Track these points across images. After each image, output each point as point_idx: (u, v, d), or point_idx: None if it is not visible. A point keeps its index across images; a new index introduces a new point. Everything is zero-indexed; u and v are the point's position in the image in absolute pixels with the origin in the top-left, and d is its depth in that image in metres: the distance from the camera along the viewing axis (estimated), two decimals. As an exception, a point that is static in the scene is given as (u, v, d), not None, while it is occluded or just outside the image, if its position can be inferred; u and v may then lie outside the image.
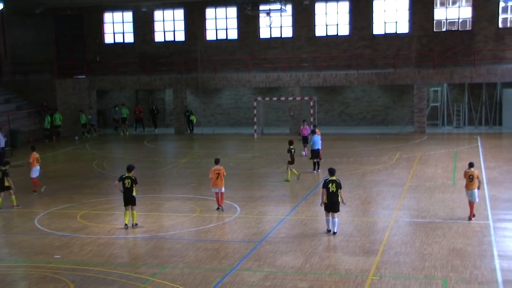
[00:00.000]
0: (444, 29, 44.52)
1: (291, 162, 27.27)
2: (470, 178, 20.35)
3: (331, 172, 19.05)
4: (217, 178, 21.86)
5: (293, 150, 27.42)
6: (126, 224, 20.08)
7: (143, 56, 48.80)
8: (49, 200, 24.84)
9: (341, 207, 19.28)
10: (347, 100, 46.53)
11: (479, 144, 35.63)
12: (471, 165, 20.74)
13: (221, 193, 22.14)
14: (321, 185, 19.54)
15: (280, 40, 46.83)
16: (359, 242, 18.31)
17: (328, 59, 45.14)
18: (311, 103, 41.94)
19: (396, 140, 38.54)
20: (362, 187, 25.72)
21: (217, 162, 22.39)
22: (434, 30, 44.38)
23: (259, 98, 43.74)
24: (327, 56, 45.26)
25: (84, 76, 46.64)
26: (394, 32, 45.10)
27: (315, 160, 28.82)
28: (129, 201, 20.09)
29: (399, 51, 44.46)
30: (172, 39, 49.06)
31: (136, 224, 20.21)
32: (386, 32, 45.20)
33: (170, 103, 48.25)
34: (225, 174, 22.08)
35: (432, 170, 28.54)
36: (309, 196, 24.25)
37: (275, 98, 43.74)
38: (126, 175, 20.30)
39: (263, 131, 43.27)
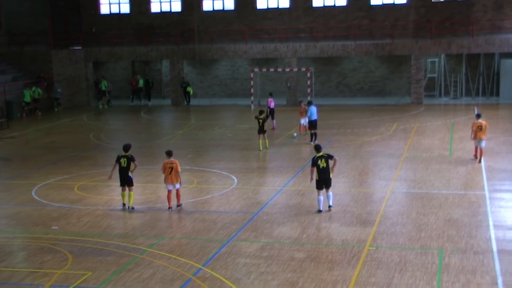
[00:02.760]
0: (442, -1, 44.26)
1: (259, 131, 27.40)
2: (479, 128, 23.55)
3: (318, 148, 18.56)
4: (170, 173, 18.88)
5: (260, 120, 27.33)
6: (124, 204, 19.36)
7: (139, 27, 48.45)
8: (46, 172, 24.86)
9: (333, 181, 18.91)
10: (344, 71, 46.39)
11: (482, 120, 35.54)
12: (479, 116, 24.17)
13: (176, 190, 19.10)
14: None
15: (277, 10, 46.51)
16: (355, 212, 18.39)
17: (325, 29, 44.90)
18: (308, 74, 41.82)
19: (393, 111, 38.53)
20: (359, 158, 25.76)
21: (169, 154, 19.22)
22: (432, 0, 44.07)
23: (256, 69, 43.60)
24: (324, 27, 45.01)
25: (80, 47, 46.38)
26: (392, 2, 44.78)
27: (312, 131, 28.81)
28: (125, 181, 19.20)
29: (397, 21, 44.21)
30: (169, 9, 48.67)
31: (133, 208, 19.18)
32: (384, 2, 44.88)
33: (167, 74, 48.06)
34: (179, 169, 18.95)
35: (429, 141, 28.57)
36: (306, 167, 24.27)
37: (272, 69, 43.59)
38: (123, 154, 19.39)
39: (260, 102, 43.17)
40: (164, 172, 19.01)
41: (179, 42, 45.45)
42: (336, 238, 16.25)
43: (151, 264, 14.82)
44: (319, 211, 18.46)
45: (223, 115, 40.40)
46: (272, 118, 32.92)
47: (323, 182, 18.33)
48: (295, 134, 29.73)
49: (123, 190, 19.36)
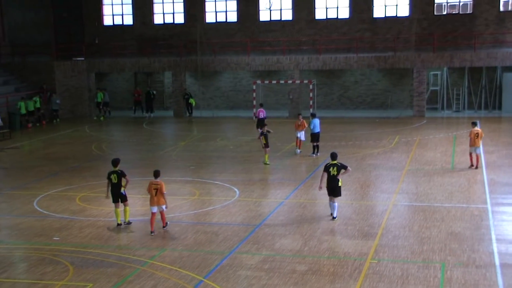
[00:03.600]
0: (444, 12, 44.34)
1: (266, 145, 27.28)
2: (476, 136, 24.96)
3: (333, 156, 19.04)
4: (156, 194, 17.88)
5: (263, 134, 27.40)
6: (118, 223, 18.65)
7: (142, 38, 48.59)
8: (48, 182, 24.86)
9: (342, 191, 19.27)
10: (346, 83, 46.42)
11: (479, 128, 35.52)
12: (475, 124, 25.68)
13: (161, 212, 18.12)
14: (320, 168, 19.50)
15: (280, 22, 46.64)
16: (357, 225, 18.35)
17: (327, 42, 44.99)
18: (311, 87, 41.86)
19: (395, 124, 38.52)
20: (361, 170, 25.73)
21: (156, 175, 18.25)
22: (435, 13, 44.19)
23: (258, 81, 43.64)
24: (327, 39, 45.10)
25: (83, 58, 46.47)
26: (395, 15, 44.91)
27: (314, 144, 28.78)
28: (118, 197, 18.61)
29: (399, 34, 44.30)
30: (172, 21, 48.84)
31: (130, 223, 18.73)
32: (387, 15, 45.00)
33: (169, 86, 48.12)
34: (164, 191, 17.95)
35: (431, 154, 28.54)
36: (308, 180, 24.26)
37: (274, 81, 43.64)
38: (113, 169, 18.75)
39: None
40: (149, 193, 18.09)
41: (182, 53, 45.54)
42: (338, 251, 16.21)
43: (152, 276, 14.78)
44: (333, 217, 18.96)
45: (225, 127, 40.41)
46: (257, 128, 33.63)
47: (331, 189, 18.78)
48: (298, 151, 29.37)
49: (117, 207, 18.64)
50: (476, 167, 25.04)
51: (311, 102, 41.69)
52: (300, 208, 20.40)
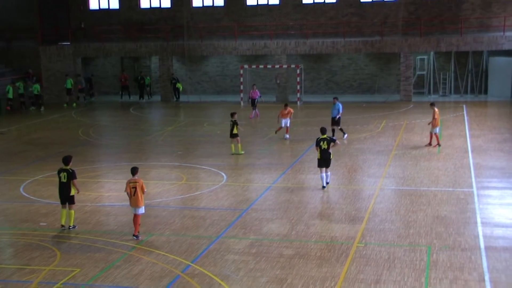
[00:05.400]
0: (431, -3, 44.36)
1: (231, 134, 26.24)
2: (434, 117, 26.25)
3: (323, 131, 20.74)
4: (134, 194, 16.23)
5: (231, 123, 26.12)
6: (62, 225, 17.18)
7: (128, 22, 48.28)
8: (34, 168, 24.75)
9: (333, 162, 21.01)
10: (333, 68, 46.44)
11: (465, 112, 35.80)
12: (434, 104, 27.24)
13: (137, 216, 16.29)
14: (306, 153, 19.60)
15: (267, 7, 46.48)
16: (344, 209, 18.44)
17: (315, 26, 44.92)
18: (298, 71, 41.84)
19: (382, 108, 38.61)
20: (348, 155, 25.80)
21: (133, 172, 16.43)
22: (422, -3, 44.20)
23: (246, 66, 43.56)
24: (314, 24, 45.03)
25: (68, 43, 46.16)
26: (382, -1, 44.87)
27: (337, 128, 28.89)
28: (65, 198, 17.17)
29: (386, 19, 44.30)
30: (158, 5, 48.52)
31: (74, 227, 17.21)
32: (374, -1, 44.96)
33: (156, 71, 47.92)
34: (145, 190, 16.52)
35: (418, 138, 28.65)
36: (296, 164, 24.31)
37: (261, 66, 43.58)
38: (63, 167, 17.28)
39: (249, 99, 43.11)
40: (127, 192, 16.37)
41: (169, 38, 45.32)
42: (325, 235, 16.28)
43: (140, 260, 14.79)
44: (323, 187, 20.57)
45: (213, 111, 40.36)
46: (253, 108, 35.19)
47: (324, 161, 20.39)
48: (287, 136, 29.30)
49: (63, 207, 17.23)
50: (438, 145, 26.54)
51: (298, 87, 41.69)
52: (287, 192, 20.45)
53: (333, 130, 28.76)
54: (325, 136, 20.63)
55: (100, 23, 48.33)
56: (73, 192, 17.17)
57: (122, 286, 13.43)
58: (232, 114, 26.46)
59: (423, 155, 25.32)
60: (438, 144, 26.54)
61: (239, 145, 26.35)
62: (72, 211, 17.29)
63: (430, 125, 26.79)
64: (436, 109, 26.72)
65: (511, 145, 26.73)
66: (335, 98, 29.51)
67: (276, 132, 29.60)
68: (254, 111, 36.22)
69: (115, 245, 15.90)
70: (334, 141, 20.72)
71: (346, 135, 28.84)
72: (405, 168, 23.27)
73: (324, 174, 20.51)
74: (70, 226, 17.18)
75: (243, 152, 26.23)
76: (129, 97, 46.56)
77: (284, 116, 29.17)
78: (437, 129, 26.75)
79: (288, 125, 29.29)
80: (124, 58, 49.46)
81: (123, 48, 45.64)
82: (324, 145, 20.30)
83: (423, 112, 36.27)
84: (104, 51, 45.96)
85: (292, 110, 29.34)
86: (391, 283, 13.22)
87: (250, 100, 37.69)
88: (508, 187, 20.60)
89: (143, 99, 45.50)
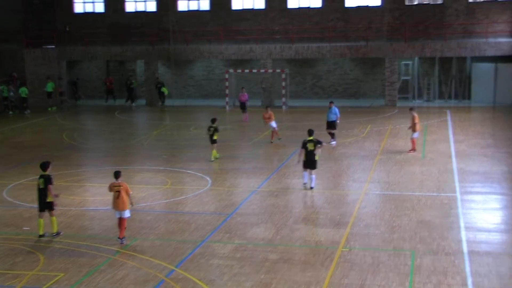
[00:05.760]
0: (416, 2, 44.58)
1: (214, 141, 25.69)
2: (414, 122, 26.29)
3: (310, 133, 21.13)
4: (118, 197, 16.27)
5: (211, 129, 25.60)
6: (40, 235, 16.72)
7: (114, 26, 48.09)
8: (18, 171, 24.60)
9: (318, 167, 21.20)
10: (319, 72, 46.55)
11: (449, 117, 36.03)
12: (413, 109, 27.44)
13: (123, 219, 16.28)
14: (292, 157, 19.64)
15: (253, 11, 46.52)
16: (329, 214, 18.49)
17: (300, 31, 45.02)
18: (283, 76, 41.91)
19: (367, 113, 38.76)
20: (333, 159, 25.88)
21: (116, 175, 16.49)
22: (406, 3, 44.40)
23: (231, 70, 43.56)
24: (299, 28, 45.14)
25: (53, 46, 45.94)
26: (367, 5, 45.02)
27: (331, 131, 28.93)
28: (44, 205, 16.80)
29: (371, 24, 44.50)
30: (144, 9, 48.39)
31: (58, 233, 16.87)
32: (359, 4, 45.11)
33: (142, 75, 47.80)
34: (130, 192, 16.52)
35: (403, 143, 28.77)
36: (281, 168, 24.35)
37: (247, 70, 43.59)
38: (41, 173, 16.91)
39: (235, 103, 43.16)
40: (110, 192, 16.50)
41: (154, 42, 45.25)
42: (310, 240, 16.32)
43: (124, 265, 14.75)
44: (304, 183, 21.09)
45: (198, 116, 40.31)
46: (242, 111, 35.79)
47: (309, 163, 20.75)
48: (278, 140, 29.32)
49: (41, 216, 16.79)
50: (414, 150, 26.56)
51: (283, 91, 41.77)
52: (272, 197, 20.48)
53: (332, 134, 28.93)
54: (311, 138, 20.96)
55: (86, 26, 48.08)
56: (49, 198, 16.79)
57: (106, 291, 13.39)
58: (213, 120, 26.01)
59: (407, 160, 25.45)
60: (413, 149, 26.57)
61: (214, 151, 25.88)
62: (53, 218, 16.86)
63: (411, 130, 26.82)
64: (415, 114, 26.78)
65: (494, 150, 26.94)
66: (331, 102, 29.78)
67: (279, 139, 29.45)
68: (245, 114, 36.32)
69: (99, 249, 15.84)
70: (320, 143, 21.03)
71: (335, 142, 28.80)
72: (389, 173, 23.38)
73: (306, 172, 20.97)
74: (53, 233, 16.81)
75: (218, 156, 25.94)
76: (114, 101, 46.39)
77: (267, 119, 29.23)
78: (416, 134, 26.72)
79: (274, 126, 29.33)
80: (110, 62, 49.30)
81: (108, 51, 45.51)
82: (310, 147, 20.72)
83: (408, 117, 36.25)
84: (89, 54, 45.80)
85: (272, 114, 29.41)
86: (375, 287, 13.27)
87: (239, 104, 37.77)
88: (491, 192, 20.77)
89: (132, 102, 45.28)
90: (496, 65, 41.03)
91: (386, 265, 14.46)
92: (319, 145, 20.92)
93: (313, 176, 20.94)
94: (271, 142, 29.33)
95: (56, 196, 17.08)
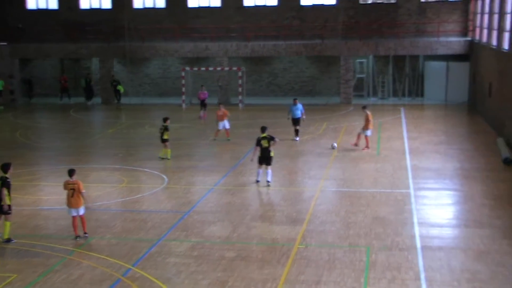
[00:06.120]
0: (369, 1, 45.11)
1: (164, 140, 25.54)
2: (367, 120, 26.75)
3: (263, 129, 21.59)
4: (72, 195, 16.41)
5: (162, 128, 25.61)
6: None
7: (68, 23, 47.40)
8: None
9: (274, 164, 21.79)
10: (275, 70, 46.74)
11: (403, 115, 36.59)
12: (366, 107, 27.72)
13: (80, 216, 16.59)
14: (248, 155, 19.70)
15: (209, 9, 46.42)
16: (285, 211, 18.63)
17: (256, 29, 45.12)
18: (239, 74, 41.97)
19: (323, 111, 39.07)
20: (289, 157, 26.05)
21: (70, 174, 16.55)
22: (360, 2, 44.88)
23: (187, 68, 43.43)
24: (255, 27, 45.24)
25: (5, 43, 45.07)
26: (322, 3, 45.34)
27: (296, 128, 29.38)
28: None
29: (326, 22, 44.86)
30: (98, 6, 47.86)
31: (9, 240, 16.24)
32: (314, 3, 45.41)
33: (97, 73, 47.28)
34: (83, 190, 16.47)
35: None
36: (237, 166, 24.42)
37: (203, 68, 43.53)
38: (1, 175, 16.56)
39: (191, 101, 43.06)
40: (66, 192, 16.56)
41: (109, 39, 44.81)
42: (266, 237, 16.43)
43: (79, 265, 14.63)
44: (257, 181, 21.47)
45: (154, 114, 40.03)
46: (202, 109, 35.82)
47: (264, 159, 21.27)
48: (229, 139, 29.41)
49: None
50: (368, 148, 26.99)
51: (240, 89, 41.83)
52: (229, 195, 20.54)
53: (297, 131, 29.38)
54: (265, 135, 21.41)
55: (39, 23, 47.36)
56: (8, 200, 16.36)
57: (61, 291, 13.27)
58: (165, 119, 25.90)
59: (362, 157, 25.77)
60: (367, 147, 27.01)
61: (169, 150, 25.69)
62: (7, 223, 16.29)
63: (363, 127, 27.30)
64: (368, 112, 27.22)
65: (446, 147, 27.48)
66: (295, 99, 30.26)
67: (214, 139, 29.52)
68: (202, 111, 36.27)
69: (54, 249, 15.68)
70: (273, 139, 21.45)
71: (298, 138, 29.26)
72: (345, 170, 23.66)
73: (260, 170, 21.45)
74: (3, 239, 16.22)
75: (166, 156, 25.61)
76: (69, 99, 45.76)
77: (220, 118, 29.25)
78: (369, 132, 27.15)
79: (226, 127, 29.37)
80: (64, 60, 48.62)
81: (62, 49, 44.88)
82: (265, 144, 21.22)
83: (362, 115, 36.77)
84: (43, 52, 45.11)
85: (227, 112, 29.48)
86: (331, 284, 13.45)
87: (199, 102, 37.67)
88: (444, 188, 21.21)
89: (89, 100, 44.68)
90: (448, 63, 41.84)
91: (342, 261, 14.65)
92: (273, 141, 21.37)
93: (269, 171, 21.33)
94: (214, 140, 29.41)
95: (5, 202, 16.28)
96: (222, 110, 29.42)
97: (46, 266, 14.55)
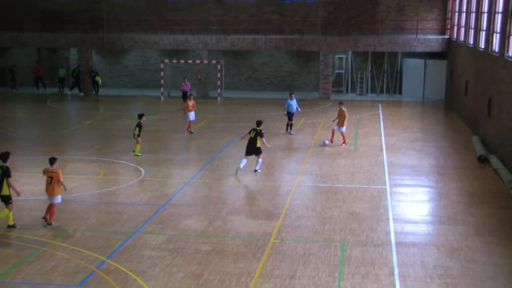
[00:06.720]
0: (350, -3, 45.24)
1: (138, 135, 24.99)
2: (343, 116, 26.93)
3: (258, 123, 22.41)
4: (50, 183, 16.67)
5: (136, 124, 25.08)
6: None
7: (45, 12, 46.94)
8: None
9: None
10: (254, 65, 46.73)
11: (380, 111, 36.78)
12: (342, 103, 27.84)
13: (52, 205, 16.84)
14: (226, 149, 19.65)
15: (189, 2, 46.20)
16: (262, 206, 18.66)
17: (236, 23, 45.05)
18: (218, 67, 41.90)
19: (301, 106, 38.93)
20: (267, 151, 26.02)
21: (51, 162, 16.87)
22: (341, -3, 45.02)
23: (166, 61, 43.27)
24: (235, 20, 45.16)
25: (-19, 32, 44.54)
26: (302, -2, 45.41)
27: (289, 122, 29.63)
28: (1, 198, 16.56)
29: (306, 17, 44.91)
30: (77, -4, 47.41)
31: (15, 226, 16.60)
32: (294, -2, 45.47)
33: (75, 63, 46.89)
34: (61, 179, 16.72)
35: (335, 136, 29.18)
36: (214, 160, 24.40)
37: (182, 61, 43.39)
38: (1, 164, 16.61)
39: (169, 94, 42.91)
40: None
41: (88, 30, 44.45)
42: (242, 231, 16.45)
43: (53, 256, 14.54)
44: (238, 168, 21.94)
45: (132, 106, 39.87)
46: (185, 101, 34.73)
47: (250, 149, 22.22)
48: (191, 132, 29.36)
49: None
50: (345, 143, 27.23)
51: (219, 83, 41.77)
52: (205, 188, 20.52)
53: (291, 125, 29.79)
54: (258, 128, 22.21)
55: (16, 12, 46.82)
56: (5, 191, 16.39)
57: (34, 282, 13.18)
58: (140, 116, 25.45)
59: (340, 152, 25.89)
60: (344, 142, 27.20)
61: (138, 146, 25.24)
62: (6, 211, 16.51)
63: (337, 123, 27.39)
64: (344, 108, 27.36)
65: (422, 143, 27.70)
66: (292, 93, 30.67)
67: (191, 132, 29.45)
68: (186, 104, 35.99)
69: (28, 240, 15.57)
70: (262, 135, 22.17)
71: (293, 132, 29.79)
72: (322, 165, 23.74)
73: (245, 160, 22.07)
74: (9, 225, 16.50)
75: (140, 155, 25.10)
76: (45, 89, 45.33)
77: (188, 109, 29.27)
78: (344, 128, 27.27)
79: (192, 118, 29.39)
80: (42, 49, 48.15)
81: (40, 38, 44.43)
82: (252, 134, 22.17)
83: (339, 110, 36.98)
84: (20, 41, 44.62)
85: (195, 104, 29.57)
86: (305, 278, 13.51)
87: (181, 93, 37.73)
88: (419, 184, 21.38)
89: (79, 91, 44.29)
90: (426, 61, 42.14)
91: (317, 256, 14.73)
92: (261, 137, 22.14)
93: (259, 159, 22.31)
94: (191, 132, 29.41)
95: (16, 192, 16.58)
96: (193, 102, 29.50)
97: (19, 257, 14.45)
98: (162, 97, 42.02)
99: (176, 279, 13.39)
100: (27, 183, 20.73)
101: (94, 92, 44.32)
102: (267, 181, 21.73)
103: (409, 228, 16.86)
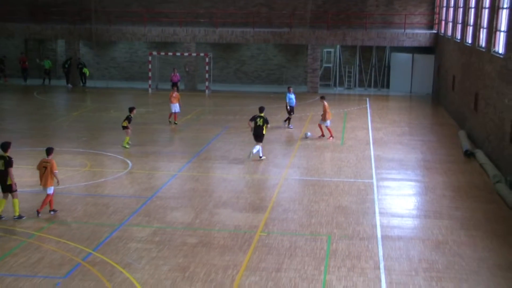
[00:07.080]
0: (339, -9, 45.24)
1: (123, 127, 25.18)
2: (324, 111, 27.17)
3: (261, 109, 23.56)
4: (44, 173, 16.75)
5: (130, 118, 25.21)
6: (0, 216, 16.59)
7: (33, 3, 46.65)
8: None
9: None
10: (242, 58, 46.67)
11: (368, 105, 36.88)
12: (324, 97, 28.35)
13: (47, 195, 16.93)
14: (213, 142, 19.64)
15: (177, -6, 46.09)
16: (249, 199, 18.69)
17: (224, 15, 44.96)
18: (207, 60, 41.82)
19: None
20: (254, 144, 26.03)
21: (48, 152, 17.03)
22: (330, -9, 45.01)
23: (155, 53, 43.13)
24: (223, 13, 45.06)
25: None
26: (291, -9, 45.35)
27: (289, 116, 29.91)
28: (4, 187, 16.55)
29: (295, 11, 44.88)
30: (65, -13, 47.10)
31: (21, 217, 16.59)
32: (283, -9, 45.39)
33: (63, 55, 46.65)
34: (55, 170, 16.80)
35: (323, 129, 29.25)
36: (202, 153, 24.38)
37: (170, 53, 43.27)
38: (1, 154, 16.57)
39: (157, 86, 42.81)
40: (38, 170, 17.01)
41: (76, 21, 44.20)
42: (229, 224, 16.48)
43: (39, 248, 14.51)
44: (251, 152, 23.08)
45: (120, 98, 39.75)
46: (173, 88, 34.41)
47: (256, 136, 23.18)
48: (174, 123, 29.29)
49: (4, 197, 16.61)
50: (330, 137, 27.40)
51: (207, 75, 41.70)
52: (192, 181, 20.52)
53: (289, 119, 30.03)
54: (262, 114, 23.22)
55: (2, 1, 46.47)
56: (10, 180, 16.38)
57: (18, 275, 13.14)
58: (131, 109, 25.48)
59: (327, 146, 25.95)
60: (331, 136, 27.34)
61: (127, 138, 25.26)
62: (16, 200, 16.52)
63: (321, 117, 27.66)
64: (325, 103, 27.55)
65: (409, 138, 27.81)
66: (290, 87, 31.10)
67: (175, 123, 29.50)
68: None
69: (13, 232, 15.52)
70: (267, 122, 23.32)
71: (292, 126, 29.95)
72: (309, 159, 23.79)
73: (258, 146, 23.07)
74: (15, 216, 16.50)
75: (128, 147, 25.04)
76: (25, 81, 44.91)
77: (173, 100, 29.31)
78: (328, 123, 27.42)
79: (177, 110, 29.43)
80: (29, 40, 47.84)
81: (27, 29, 44.13)
82: (259, 122, 23.07)
83: (328, 104, 36.99)
84: (7, 31, 44.32)
85: (178, 96, 29.74)
86: (291, 271, 13.56)
87: (171, 84, 37.69)
88: (405, 178, 21.48)
89: (67, 83, 44.02)
90: (413, 56, 42.27)
91: (303, 249, 14.77)
92: (267, 124, 23.22)
93: (260, 147, 23.14)
94: (175, 124, 29.41)
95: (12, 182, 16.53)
96: (176, 93, 29.53)
97: (4, 249, 14.40)
98: (150, 90, 41.92)
99: (162, 271, 13.40)
100: (14, 175, 20.58)
101: (81, 84, 44.12)
102: (254, 174, 21.75)
103: (395, 222, 16.95)
